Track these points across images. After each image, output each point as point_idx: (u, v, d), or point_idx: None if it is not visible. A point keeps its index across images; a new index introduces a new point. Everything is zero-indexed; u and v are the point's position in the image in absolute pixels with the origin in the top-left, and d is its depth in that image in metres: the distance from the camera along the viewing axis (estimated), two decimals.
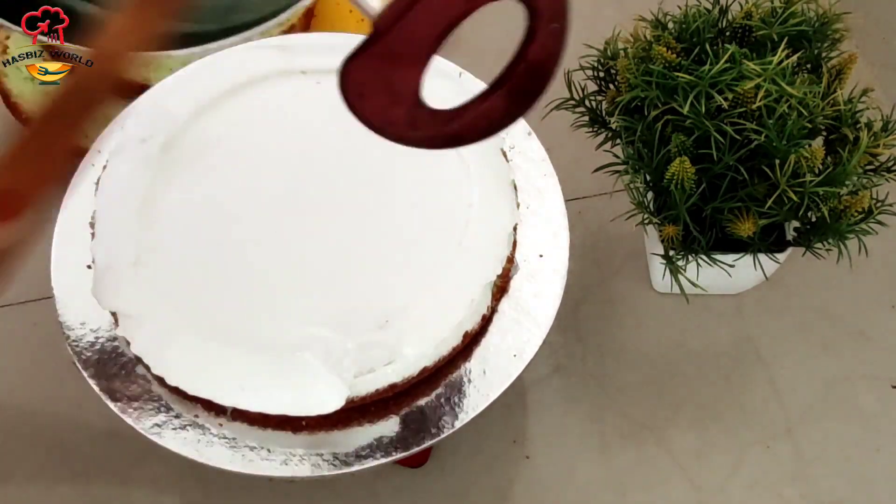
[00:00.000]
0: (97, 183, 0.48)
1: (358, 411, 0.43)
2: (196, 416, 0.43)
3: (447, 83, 0.51)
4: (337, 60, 0.53)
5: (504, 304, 0.46)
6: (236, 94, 0.49)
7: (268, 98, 0.49)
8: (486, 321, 0.45)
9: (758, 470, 0.55)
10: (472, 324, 0.44)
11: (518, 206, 0.48)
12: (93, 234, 0.46)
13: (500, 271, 0.45)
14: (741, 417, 0.57)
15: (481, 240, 0.45)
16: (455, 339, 0.43)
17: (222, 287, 0.43)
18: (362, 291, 0.43)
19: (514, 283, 0.46)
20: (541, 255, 0.47)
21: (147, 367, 0.42)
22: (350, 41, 0.57)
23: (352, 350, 0.41)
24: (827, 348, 0.59)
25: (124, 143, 0.48)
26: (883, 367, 0.59)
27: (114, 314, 0.44)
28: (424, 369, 0.43)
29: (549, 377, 0.59)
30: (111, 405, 0.42)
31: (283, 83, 0.50)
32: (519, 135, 0.51)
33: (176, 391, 0.42)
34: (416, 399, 0.43)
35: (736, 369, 0.59)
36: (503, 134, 0.51)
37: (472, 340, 0.44)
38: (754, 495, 0.55)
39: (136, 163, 0.47)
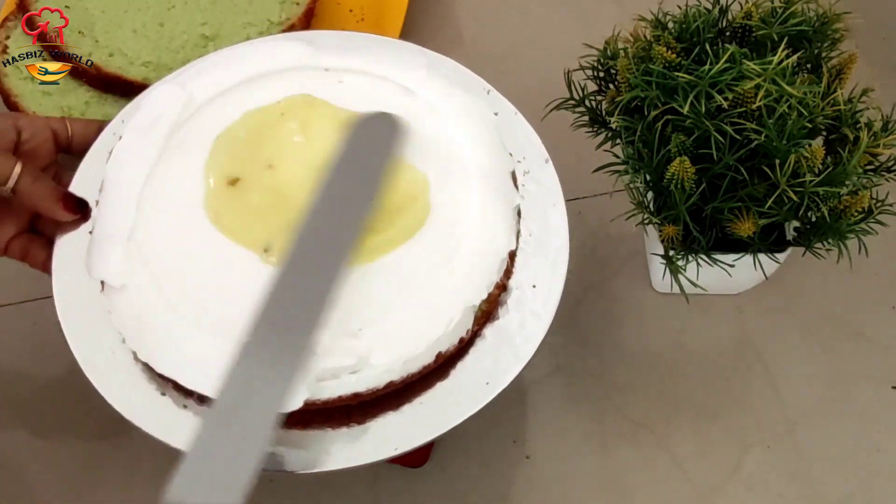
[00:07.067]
0: (110, 153, 0.48)
1: (321, 414, 0.42)
2: (163, 393, 0.43)
3: (475, 100, 0.50)
4: (362, 60, 0.53)
5: (488, 330, 0.45)
6: (257, 84, 0.49)
7: (286, 90, 0.49)
8: (466, 344, 0.44)
9: (758, 470, 0.55)
10: (447, 345, 0.43)
11: (519, 233, 0.47)
12: (97, 202, 0.47)
13: (485, 296, 0.44)
14: (741, 417, 0.57)
15: (470, 262, 0.44)
16: (427, 358, 0.42)
17: (206, 273, 0.43)
18: (342, 297, 0.42)
19: (502, 311, 0.45)
20: (534, 286, 0.46)
21: (135, 354, 0.42)
22: (379, 43, 0.56)
23: (318, 354, 0.40)
24: (827, 348, 0.59)
25: (140, 119, 0.49)
26: (883, 367, 0.59)
27: (102, 283, 0.44)
28: (391, 383, 0.42)
29: (549, 377, 0.59)
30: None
31: (305, 77, 0.50)
32: (536, 160, 0.50)
33: (147, 367, 0.42)
34: (383, 411, 0.43)
35: (736, 369, 0.59)
36: (520, 157, 0.49)
37: (447, 361, 0.43)
38: (754, 495, 0.55)
39: (146, 140, 0.47)
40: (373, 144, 0.45)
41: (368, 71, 0.50)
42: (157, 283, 0.43)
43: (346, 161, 0.44)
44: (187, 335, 0.41)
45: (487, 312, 0.44)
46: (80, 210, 0.46)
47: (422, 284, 0.43)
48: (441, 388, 0.43)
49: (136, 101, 0.51)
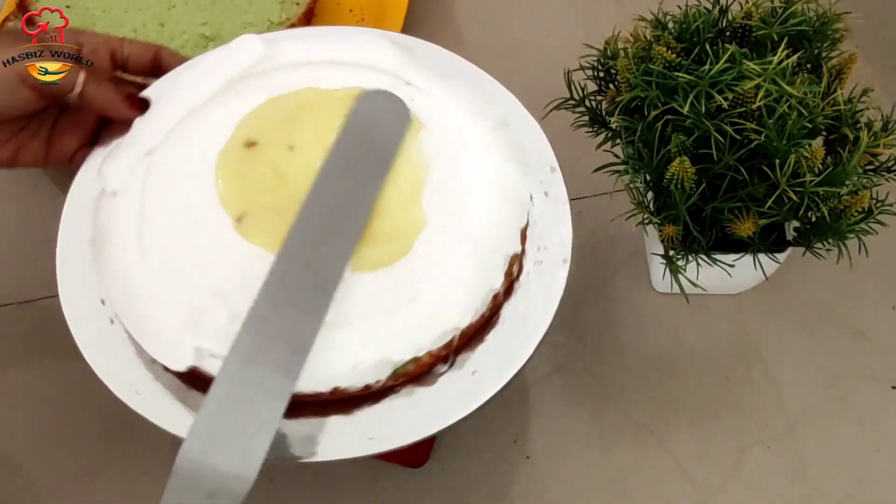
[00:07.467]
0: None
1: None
2: (112, 321, 0.44)
3: (521, 175, 0.47)
4: (442, 90, 0.49)
5: (416, 390, 0.42)
6: (336, 68, 0.49)
7: (358, 84, 0.48)
8: (377, 393, 0.42)
9: (758, 470, 0.55)
10: (347, 383, 0.41)
11: (490, 318, 0.44)
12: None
13: (408, 358, 0.41)
14: (741, 417, 0.57)
15: (407, 320, 0.41)
16: (322, 386, 0.41)
17: (182, 215, 0.44)
18: None
19: (432, 380, 0.43)
20: (474, 373, 0.43)
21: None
22: (470, 77, 0.52)
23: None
24: (827, 348, 0.60)
25: (216, 57, 0.50)
26: (883, 367, 0.59)
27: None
28: None
29: (549, 377, 0.59)
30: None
31: (384, 82, 0.48)
32: (556, 256, 0.46)
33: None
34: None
35: (736, 369, 0.59)
36: (542, 245, 0.46)
37: (351, 400, 0.42)
38: (754, 495, 0.55)
39: (212, 76, 0.48)
40: (382, 123, 0.46)
41: (441, 104, 0.48)
42: (141, 201, 0.44)
43: (356, 139, 0.45)
44: (136, 260, 0.42)
45: (415, 375, 0.42)
46: (144, 108, 0.48)
47: (350, 319, 0.41)
48: (334, 420, 0.41)
49: (232, 42, 0.51)
